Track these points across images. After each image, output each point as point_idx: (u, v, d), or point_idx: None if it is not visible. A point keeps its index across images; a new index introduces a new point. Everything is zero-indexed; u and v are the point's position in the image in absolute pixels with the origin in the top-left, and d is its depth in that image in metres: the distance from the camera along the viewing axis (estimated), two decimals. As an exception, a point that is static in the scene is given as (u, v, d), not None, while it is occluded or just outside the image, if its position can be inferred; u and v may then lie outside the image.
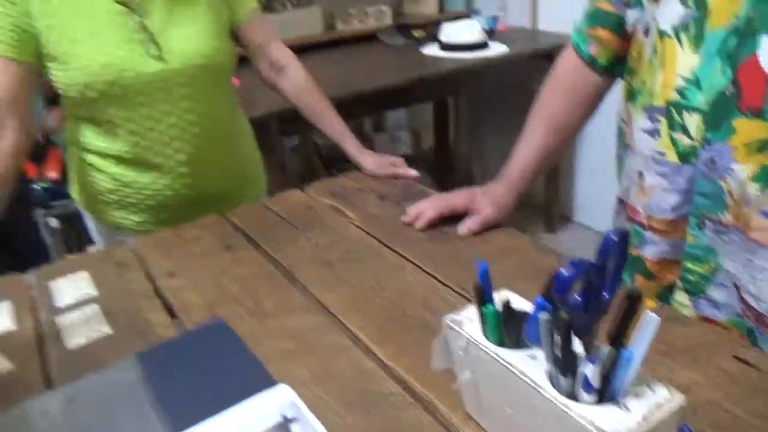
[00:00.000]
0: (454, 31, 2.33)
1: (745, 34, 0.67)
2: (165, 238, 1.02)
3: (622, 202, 0.91)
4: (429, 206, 0.99)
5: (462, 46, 2.30)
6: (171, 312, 0.82)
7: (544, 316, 0.45)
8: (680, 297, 0.81)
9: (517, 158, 1.00)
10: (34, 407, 0.65)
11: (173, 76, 1.06)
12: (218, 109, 1.17)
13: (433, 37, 2.50)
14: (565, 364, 0.44)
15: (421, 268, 0.87)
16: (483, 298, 0.51)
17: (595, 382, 0.43)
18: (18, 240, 2.15)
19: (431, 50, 2.40)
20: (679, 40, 0.74)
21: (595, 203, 2.71)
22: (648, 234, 0.82)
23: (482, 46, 2.32)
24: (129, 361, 0.71)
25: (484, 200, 0.97)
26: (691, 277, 0.78)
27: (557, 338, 0.44)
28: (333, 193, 1.15)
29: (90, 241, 2.17)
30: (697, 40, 0.72)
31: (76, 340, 0.77)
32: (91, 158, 1.14)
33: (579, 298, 0.42)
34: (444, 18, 2.78)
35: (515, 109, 2.82)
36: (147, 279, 0.90)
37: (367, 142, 2.85)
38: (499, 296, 0.52)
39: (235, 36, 1.20)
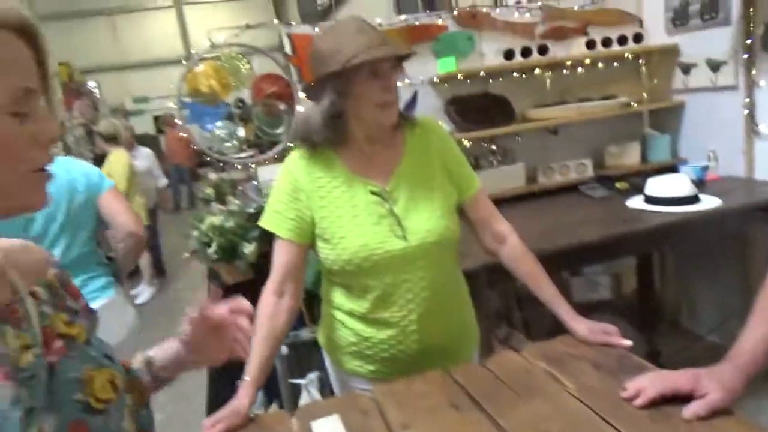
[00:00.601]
0: (661, 185, 2.33)
1: None
2: (398, 389, 1.17)
3: None
4: (650, 384, 1.01)
5: (670, 199, 2.29)
6: (409, 464, 0.94)
7: None
8: None
9: (747, 340, 0.99)
10: None
11: (413, 251, 1.27)
12: (445, 275, 1.35)
13: (637, 189, 2.52)
14: None
15: (644, 450, 0.89)
16: None
17: None
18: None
19: (636, 203, 2.42)
20: None
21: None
22: None
23: (692, 199, 2.28)
24: None
25: (711, 383, 0.97)
26: None
27: None
28: (548, 358, 1.22)
29: (308, 370, 2.45)
30: None
31: (334, 480, 0.92)
32: (340, 315, 1.37)
33: None
34: (648, 169, 2.81)
35: (729, 259, 2.68)
36: (386, 428, 1.04)
37: (563, 287, 2.86)
38: None
39: (460, 210, 1.39)
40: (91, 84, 10.74)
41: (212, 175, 4.67)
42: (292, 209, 1.30)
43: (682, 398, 0.97)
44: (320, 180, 1.30)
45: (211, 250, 2.76)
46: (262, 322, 1.25)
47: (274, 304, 1.28)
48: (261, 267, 2.80)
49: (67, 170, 1.86)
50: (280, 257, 1.30)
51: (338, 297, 1.36)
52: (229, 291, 2.81)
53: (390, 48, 1.23)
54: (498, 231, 1.40)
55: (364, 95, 1.24)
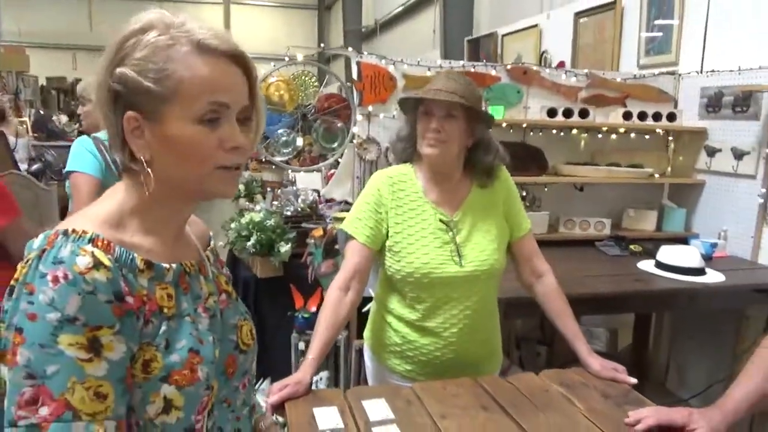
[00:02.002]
0: (672, 254, 2.55)
1: None
2: (435, 388, 1.38)
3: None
4: (650, 414, 1.22)
5: (679, 268, 2.50)
6: (447, 444, 1.14)
7: None
8: None
9: (733, 394, 1.20)
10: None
11: (465, 276, 1.49)
12: (487, 300, 1.57)
13: (648, 254, 2.74)
14: None
15: (641, 464, 1.09)
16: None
17: None
18: (272, 348, 2.70)
19: (647, 266, 2.63)
20: None
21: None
22: None
23: (699, 271, 2.49)
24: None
25: (701, 421, 1.18)
26: None
27: None
28: (563, 383, 1.43)
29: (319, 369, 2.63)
30: None
31: (386, 446, 1.12)
32: (390, 318, 1.58)
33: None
34: (661, 237, 3.03)
35: (723, 332, 2.88)
36: (427, 415, 1.25)
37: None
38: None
39: (508, 246, 1.61)
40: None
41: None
42: (372, 219, 1.52)
43: (675, 430, 1.18)
44: (400, 200, 1.53)
45: (250, 244, 2.97)
46: (328, 312, 1.46)
47: (340, 297, 1.49)
48: (291, 266, 3.03)
49: None
50: (353, 258, 1.52)
51: (393, 302, 1.57)
52: (259, 284, 3.02)
53: (443, 95, 1.44)
54: (537, 268, 1.62)
55: (417, 128, 1.52)
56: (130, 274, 0.74)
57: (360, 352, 2.69)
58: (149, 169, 0.77)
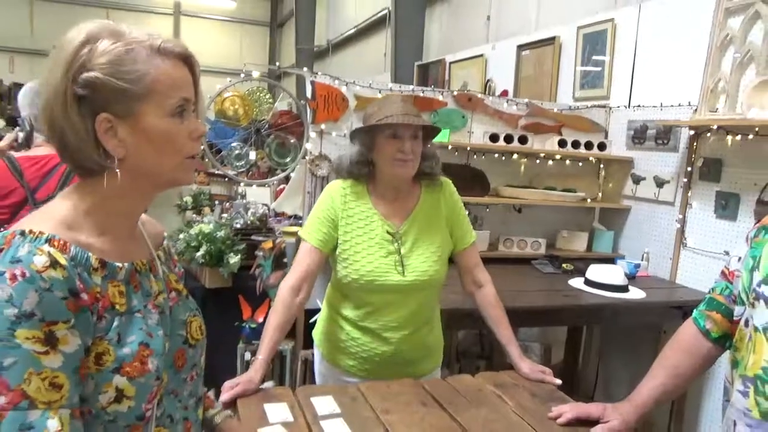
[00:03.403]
0: (600, 272, 2.76)
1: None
2: (379, 387, 1.48)
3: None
4: (570, 409, 1.36)
5: (605, 285, 2.71)
6: (389, 435, 1.25)
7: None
8: None
9: (642, 390, 1.36)
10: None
11: (406, 285, 1.61)
12: (427, 307, 1.69)
13: (579, 272, 2.94)
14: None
15: (560, 451, 1.23)
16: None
17: None
18: (218, 359, 2.73)
19: (577, 283, 2.83)
20: (766, 337, 1.11)
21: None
22: (735, 467, 1.12)
23: (623, 288, 2.71)
24: (371, 457, 1.13)
25: (614, 414, 1.33)
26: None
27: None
28: (495, 383, 1.56)
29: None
30: (776, 339, 1.09)
31: (333, 436, 1.21)
32: (337, 317, 1.69)
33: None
34: (591, 257, 3.25)
35: (644, 346, 3.11)
36: (371, 410, 1.35)
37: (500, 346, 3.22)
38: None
39: (452, 257, 1.74)
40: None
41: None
42: (325, 224, 1.63)
43: (591, 423, 1.33)
44: (351, 210, 1.63)
45: (199, 254, 3.00)
46: (278, 313, 1.54)
47: (290, 298, 1.57)
48: (240, 278, 3.07)
49: None
50: (305, 260, 1.62)
51: (340, 303, 1.69)
52: (208, 294, 3.05)
53: (412, 119, 1.58)
54: (479, 278, 1.76)
55: (383, 150, 1.61)
56: (84, 273, 0.79)
57: (305, 362, 2.76)
58: (119, 167, 0.83)
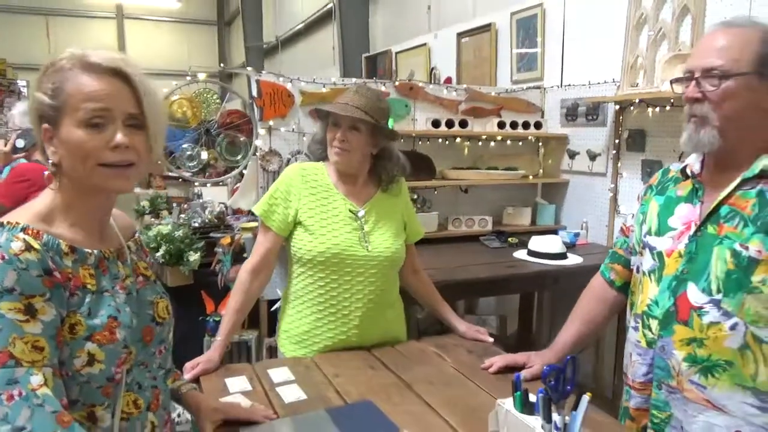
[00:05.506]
0: (539, 243, 2.96)
1: (681, 279, 1.24)
2: (331, 357, 1.63)
3: (624, 373, 1.41)
4: (500, 359, 1.54)
5: (545, 254, 2.92)
6: (338, 392, 1.40)
7: (540, 396, 0.99)
8: (652, 435, 1.27)
9: (560, 338, 1.55)
10: (275, 426, 1.23)
11: (370, 260, 1.69)
12: (387, 288, 1.76)
13: (523, 244, 3.14)
14: (546, 417, 0.97)
15: (490, 394, 1.40)
16: (516, 389, 1.06)
17: (561, 426, 0.96)
18: (185, 353, 2.84)
19: (520, 254, 3.02)
20: (650, 279, 1.31)
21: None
22: (631, 391, 1.32)
23: (562, 256, 2.92)
24: (321, 411, 1.29)
25: (537, 359, 1.51)
26: (656, 421, 1.26)
27: (545, 407, 0.98)
28: (437, 345, 1.73)
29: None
30: (658, 280, 1.28)
31: (288, 399, 1.36)
32: (299, 305, 1.72)
33: (553, 382, 0.97)
34: (535, 230, 3.46)
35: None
36: (323, 375, 1.50)
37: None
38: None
39: None
40: (21, 83, 10.53)
41: (138, 190, 4.94)
42: (281, 206, 1.70)
43: (518, 369, 1.50)
44: (312, 188, 1.72)
45: (159, 254, 3.09)
46: (238, 296, 1.66)
47: (249, 281, 1.68)
48: (201, 275, 3.17)
49: None
50: (264, 244, 1.71)
51: (301, 288, 1.71)
52: (171, 292, 3.13)
53: (349, 110, 1.66)
54: (416, 265, 1.92)
55: (327, 136, 1.73)
56: (56, 256, 0.94)
57: (270, 349, 2.88)
58: (60, 171, 0.98)
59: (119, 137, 0.96)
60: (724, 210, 1.21)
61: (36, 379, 0.86)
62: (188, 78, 2.94)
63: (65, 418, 0.87)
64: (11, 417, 0.83)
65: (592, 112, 3.34)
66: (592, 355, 3.33)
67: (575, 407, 0.98)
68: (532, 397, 1.06)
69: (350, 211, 1.72)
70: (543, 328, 3.85)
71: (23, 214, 0.96)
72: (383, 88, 3.26)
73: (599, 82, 3.26)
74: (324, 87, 3.04)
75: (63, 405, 0.88)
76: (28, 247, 0.90)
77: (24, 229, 0.92)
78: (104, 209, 1.07)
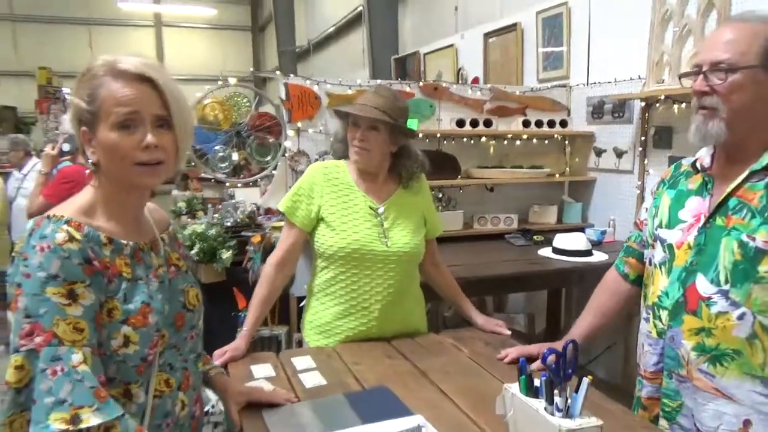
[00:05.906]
0: (565, 240, 2.97)
1: (690, 271, 1.26)
2: (352, 347, 1.70)
3: (637, 364, 1.43)
4: (514, 350, 1.58)
5: (570, 251, 2.93)
6: (356, 379, 1.46)
7: (543, 379, 1.04)
8: (662, 423, 1.29)
9: (574, 330, 1.58)
10: (295, 409, 1.30)
11: (390, 256, 1.74)
12: (407, 282, 1.81)
13: (549, 242, 3.15)
14: (548, 399, 1.02)
15: (502, 382, 1.44)
16: (521, 374, 1.11)
17: (562, 407, 1.00)
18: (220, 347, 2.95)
19: (545, 252, 3.04)
20: (661, 271, 1.33)
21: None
22: (643, 381, 1.34)
23: (587, 253, 2.92)
24: (339, 396, 1.35)
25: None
26: (667, 409, 1.28)
27: (548, 390, 1.02)
28: (455, 337, 1.78)
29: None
30: (668, 272, 1.31)
31: (309, 384, 1.43)
32: (322, 298, 1.78)
33: (553, 365, 1.01)
34: (562, 228, 3.46)
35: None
36: (343, 363, 1.56)
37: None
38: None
39: None
40: (66, 90, 10.92)
41: (175, 192, 5.11)
42: (305, 203, 1.76)
43: (533, 360, 1.54)
44: (334, 186, 1.78)
45: (193, 252, 3.21)
46: (263, 288, 1.74)
47: (274, 275, 1.75)
48: (233, 272, 3.29)
49: None
50: (288, 239, 1.78)
51: (324, 282, 1.77)
52: (204, 289, 3.25)
53: (368, 110, 1.72)
54: (437, 260, 1.97)
55: (348, 135, 1.79)
56: (96, 246, 1.03)
57: (299, 344, 2.97)
58: (98, 170, 1.07)
59: (149, 138, 1.04)
60: (732, 202, 1.23)
61: (76, 357, 0.95)
62: (219, 83, 3.06)
63: (102, 393, 0.95)
64: (54, 390, 0.92)
65: (618, 110, 3.33)
66: (621, 353, 3.31)
67: (577, 390, 1.02)
68: (537, 382, 1.10)
69: (370, 207, 1.78)
70: (570, 326, 3.83)
71: (67, 208, 1.06)
72: (407, 89, 3.32)
73: (625, 80, 3.25)
74: (350, 89, 3.12)
75: (100, 382, 0.97)
76: (71, 238, 0.99)
77: (68, 222, 1.01)
78: (138, 204, 1.16)
